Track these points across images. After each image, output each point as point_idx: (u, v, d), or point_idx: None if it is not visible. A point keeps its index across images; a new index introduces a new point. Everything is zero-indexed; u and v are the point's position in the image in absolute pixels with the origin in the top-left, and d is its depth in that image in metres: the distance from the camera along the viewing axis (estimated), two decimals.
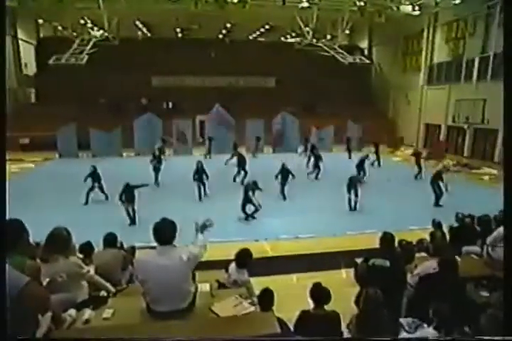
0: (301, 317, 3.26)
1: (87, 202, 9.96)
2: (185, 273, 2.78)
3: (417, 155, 14.02)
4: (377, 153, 15.76)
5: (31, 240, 2.76)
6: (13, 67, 22.54)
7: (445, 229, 5.71)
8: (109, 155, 17.41)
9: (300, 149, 18.22)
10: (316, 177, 13.10)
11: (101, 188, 10.24)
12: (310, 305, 3.35)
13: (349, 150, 17.69)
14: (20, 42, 22.98)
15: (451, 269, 3.53)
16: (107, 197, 10.19)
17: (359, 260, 4.51)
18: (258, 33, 28.82)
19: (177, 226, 2.88)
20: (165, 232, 2.79)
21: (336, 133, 19.73)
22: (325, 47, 21.82)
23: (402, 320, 3.19)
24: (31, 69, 24.63)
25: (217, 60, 24.20)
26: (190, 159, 15.02)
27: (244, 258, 3.73)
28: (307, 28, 20.78)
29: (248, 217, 8.72)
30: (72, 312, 2.79)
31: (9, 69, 22.07)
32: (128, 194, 8.32)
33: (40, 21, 25.60)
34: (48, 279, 2.86)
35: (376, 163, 15.50)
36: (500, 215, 5.14)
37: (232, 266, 3.73)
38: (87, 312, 2.83)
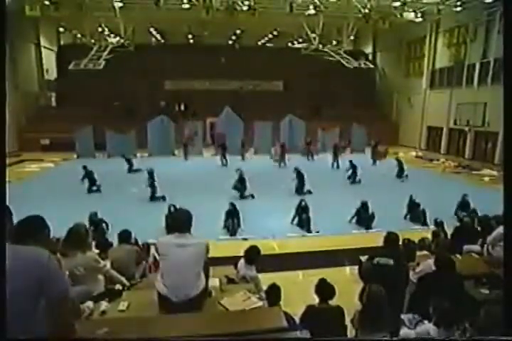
0: (307, 312, 3.35)
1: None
2: (199, 254, 2.85)
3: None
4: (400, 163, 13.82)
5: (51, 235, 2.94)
6: (36, 72, 23.32)
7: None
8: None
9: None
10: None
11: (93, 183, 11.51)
12: (315, 300, 3.45)
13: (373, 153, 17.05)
14: (42, 49, 23.73)
15: (447, 268, 3.57)
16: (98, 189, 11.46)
17: (363, 258, 4.59)
18: (266, 39, 29.07)
19: (192, 216, 2.98)
20: (181, 221, 2.92)
21: (341, 134, 20.06)
22: (331, 53, 22.01)
23: (403, 316, 3.28)
24: (52, 74, 25.31)
25: (227, 65, 24.55)
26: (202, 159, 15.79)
27: (252, 254, 3.82)
28: (313, 34, 20.95)
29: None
30: (90, 303, 2.90)
31: (32, 74, 22.90)
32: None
33: (61, 30, 26.39)
34: (67, 272, 2.97)
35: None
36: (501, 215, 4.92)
37: (241, 262, 3.81)
38: (104, 304, 2.94)
